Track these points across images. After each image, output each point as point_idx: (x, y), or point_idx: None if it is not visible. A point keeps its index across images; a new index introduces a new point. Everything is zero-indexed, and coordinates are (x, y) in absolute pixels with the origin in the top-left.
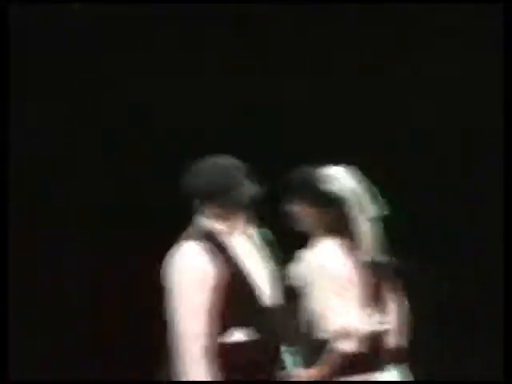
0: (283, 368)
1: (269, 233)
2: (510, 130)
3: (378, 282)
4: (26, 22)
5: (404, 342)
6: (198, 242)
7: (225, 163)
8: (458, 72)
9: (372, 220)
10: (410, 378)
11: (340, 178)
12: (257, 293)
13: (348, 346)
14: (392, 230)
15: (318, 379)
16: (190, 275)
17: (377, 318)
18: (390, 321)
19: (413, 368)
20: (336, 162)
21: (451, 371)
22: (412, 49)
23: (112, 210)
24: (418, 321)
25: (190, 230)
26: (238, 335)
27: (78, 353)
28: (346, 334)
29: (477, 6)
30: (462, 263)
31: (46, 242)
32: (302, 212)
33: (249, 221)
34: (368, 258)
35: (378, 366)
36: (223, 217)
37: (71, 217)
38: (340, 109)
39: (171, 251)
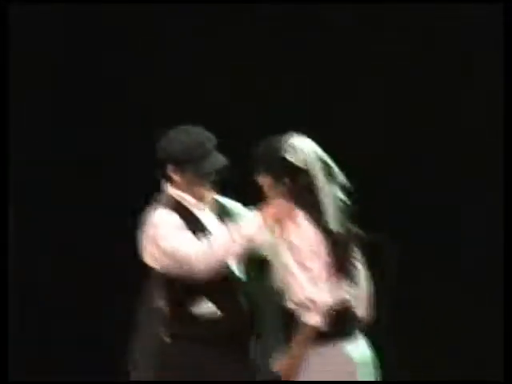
0: (257, 340)
1: (236, 205)
2: (510, 131)
3: (344, 252)
4: (25, 22)
5: (369, 312)
6: (168, 211)
7: (198, 133)
8: (458, 72)
9: (338, 190)
10: (371, 348)
11: (304, 148)
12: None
13: (312, 319)
14: (355, 201)
15: (294, 356)
16: (167, 224)
17: (344, 288)
18: (356, 291)
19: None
20: (303, 133)
21: (451, 371)
22: (412, 48)
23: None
24: (380, 292)
25: (162, 198)
26: (206, 307)
27: (79, 353)
28: (310, 306)
29: (477, 6)
30: (426, 236)
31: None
32: (267, 183)
33: (216, 192)
34: (334, 229)
35: (346, 336)
36: (192, 187)
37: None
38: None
39: (143, 217)
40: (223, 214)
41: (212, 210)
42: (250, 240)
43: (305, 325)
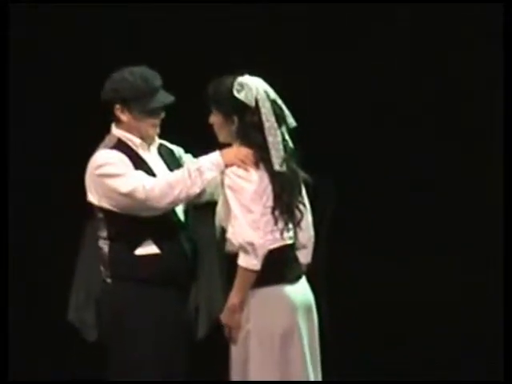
0: (197, 284)
1: (181, 151)
2: (511, 131)
3: (289, 195)
4: (26, 21)
5: (310, 256)
6: (111, 150)
7: (143, 71)
8: (458, 72)
9: (287, 131)
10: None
11: (254, 86)
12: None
13: (250, 262)
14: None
15: (234, 300)
16: (114, 161)
17: (288, 231)
18: (300, 234)
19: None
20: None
21: (450, 371)
22: (412, 49)
23: None
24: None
25: (107, 139)
26: (149, 246)
27: (80, 352)
28: (248, 249)
29: (477, 5)
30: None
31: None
32: (217, 122)
33: (159, 133)
34: (279, 169)
35: (287, 279)
36: (139, 126)
37: None
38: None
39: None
40: (170, 159)
41: (159, 153)
42: (209, 181)
43: (243, 268)
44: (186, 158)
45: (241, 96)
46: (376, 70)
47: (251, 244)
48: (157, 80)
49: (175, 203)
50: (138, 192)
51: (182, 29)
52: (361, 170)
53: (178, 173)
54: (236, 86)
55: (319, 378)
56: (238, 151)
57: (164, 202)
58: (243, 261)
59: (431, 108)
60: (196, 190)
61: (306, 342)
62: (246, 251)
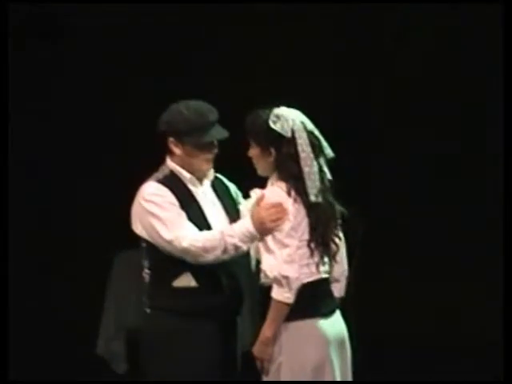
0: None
1: (233, 187)
2: (510, 131)
3: (325, 227)
4: (26, 21)
5: (344, 290)
6: (161, 184)
7: (199, 105)
8: (458, 72)
9: (324, 163)
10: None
11: (290, 117)
12: None
13: (283, 295)
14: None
15: (267, 333)
16: (157, 200)
17: (323, 264)
18: (335, 268)
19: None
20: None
21: (450, 371)
22: (411, 48)
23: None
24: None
25: (160, 170)
26: (186, 279)
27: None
28: (282, 282)
29: (477, 5)
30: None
31: None
32: (255, 154)
33: (213, 168)
34: (315, 201)
35: (321, 313)
36: (191, 160)
37: None
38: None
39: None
40: (224, 195)
41: (212, 187)
42: (251, 238)
43: (275, 301)
44: (236, 193)
45: (277, 127)
46: None
47: (286, 277)
48: (212, 115)
49: (207, 263)
50: (175, 244)
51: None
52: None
53: (216, 239)
54: (272, 118)
55: None
56: (267, 213)
57: (196, 261)
58: (277, 293)
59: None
60: (227, 257)
61: (337, 374)
62: (280, 284)
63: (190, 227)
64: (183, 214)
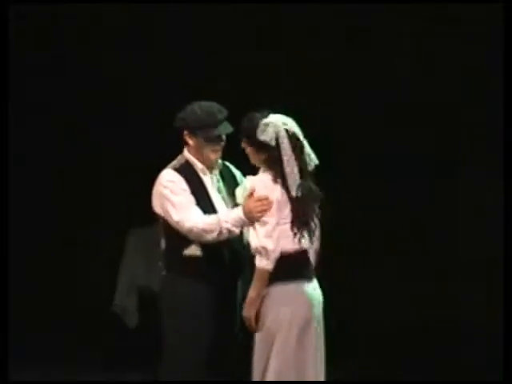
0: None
1: (238, 173)
2: (510, 131)
3: (304, 212)
4: (26, 21)
5: (319, 259)
6: (175, 171)
7: (210, 105)
8: (458, 72)
9: (305, 161)
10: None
11: (275, 126)
12: None
13: (262, 263)
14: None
15: (252, 294)
16: (171, 187)
17: (303, 238)
18: (313, 242)
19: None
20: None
21: (450, 371)
22: (412, 48)
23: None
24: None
25: (177, 159)
26: (193, 249)
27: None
28: (262, 252)
29: (477, 5)
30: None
31: None
32: (249, 151)
33: (220, 158)
34: (295, 194)
35: (306, 276)
36: (202, 151)
37: None
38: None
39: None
40: (230, 181)
41: (220, 174)
42: (242, 224)
43: (257, 268)
44: (240, 178)
45: (263, 138)
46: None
47: (264, 248)
48: (221, 114)
49: (207, 242)
50: (181, 225)
51: None
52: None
53: (213, 223)
54: (261, 127)
55: (323, 362)
56: (255, 205)
57: (197, 240)
58: (258, 262)
59: None
60: (223, 238)
61: (320, 333)
62: (260, 254)
63: (196, 211)
64: (192, 199)
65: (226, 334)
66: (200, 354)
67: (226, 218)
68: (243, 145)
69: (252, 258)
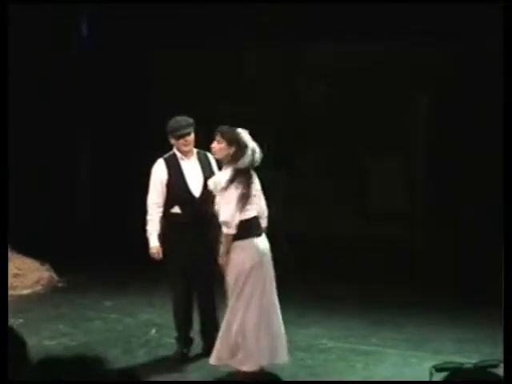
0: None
1: (211, 156)
2: (510, 130)
3: (249, 189)
4: (26, 22)
5: (265, 223)
6: (163, 160)
7: (182, 118)
8: (459, 72)
9: (252, 155)
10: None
11: (245, 136)
12: (188, 190)
13: (227, 230)
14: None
15: (222, 250)
16: (153, 175)
17: (252, 209)
18: (261, 210)
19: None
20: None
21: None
22: (412, 48)
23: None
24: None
25: (169, 153)
26: (176, 209)
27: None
28: (225, 223)
29: (477, 5)
30: None
31: None
32: (220, 147)
33: (193, 149)
34: (248, 177)
35: (256, 235)
36: (179, 147)
37: None
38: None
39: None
40: (205, 162)
41: (198, 159)
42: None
43: (224, 233)
44: (213, 162)
45: (241, 137)
46: None
47: (228, 221)
48: (185, 122)
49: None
50: (148, 204)
51: None
52: None
53: (148, 212)
54: (240, 133)
55: (273, 280)
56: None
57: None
58: (224, 229)
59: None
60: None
61: (271, 274)
62: (224, 224)
63: (152, 197)
64: (159, 187)
65: (199, 251)
66: (183, 260)
67: (150, 228)
68: (215, 144)
69: (220, 225)
